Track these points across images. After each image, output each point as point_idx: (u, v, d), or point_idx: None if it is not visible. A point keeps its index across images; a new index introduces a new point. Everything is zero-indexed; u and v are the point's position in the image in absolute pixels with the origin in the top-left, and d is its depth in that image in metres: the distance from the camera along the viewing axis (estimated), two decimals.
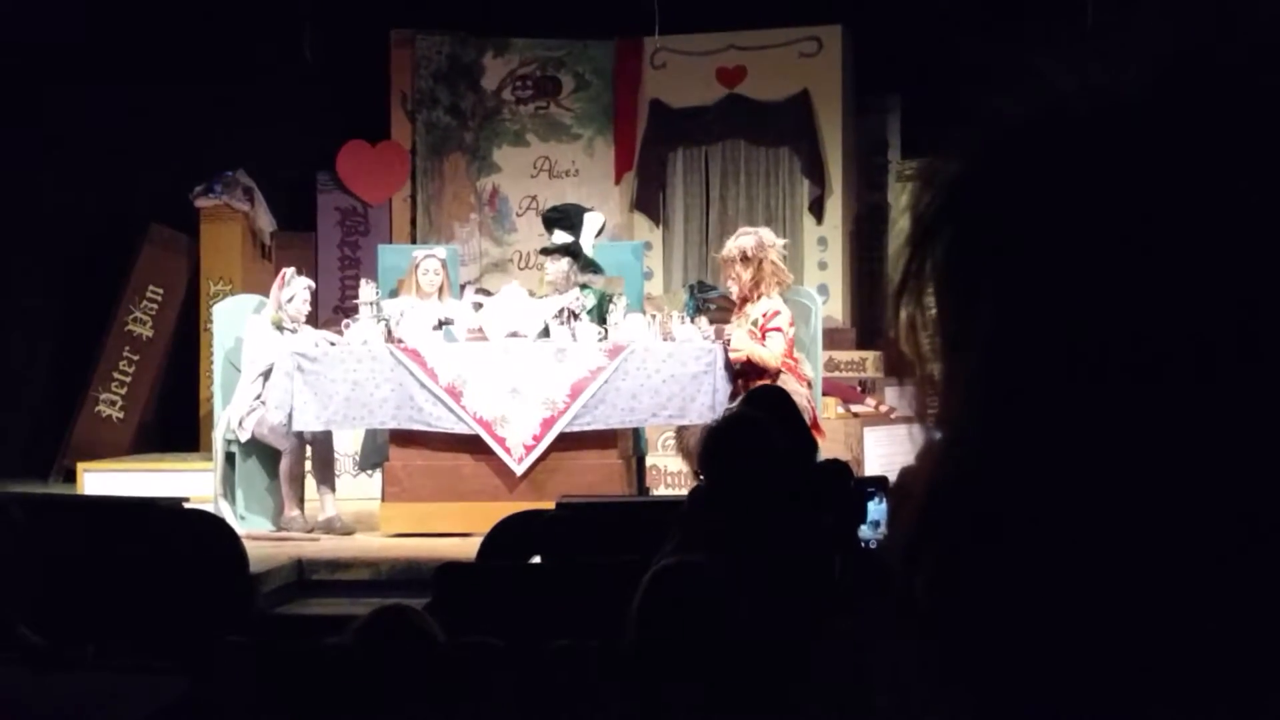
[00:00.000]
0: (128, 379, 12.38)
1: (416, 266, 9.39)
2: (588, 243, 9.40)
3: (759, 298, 8.59)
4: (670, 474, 10.36)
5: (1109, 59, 0.59)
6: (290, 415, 8.89)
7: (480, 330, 9.09)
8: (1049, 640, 0.57)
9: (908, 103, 12.40)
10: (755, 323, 8.54)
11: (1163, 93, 0.58)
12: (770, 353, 8.45)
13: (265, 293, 9.81)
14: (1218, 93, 0.57)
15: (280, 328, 9.30)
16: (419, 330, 9.06)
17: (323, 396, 8.85)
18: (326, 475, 9.38)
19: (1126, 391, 0.56)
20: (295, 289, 9.41)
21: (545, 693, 4.01)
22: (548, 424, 8.82)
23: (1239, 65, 0.57)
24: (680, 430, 9.06)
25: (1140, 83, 0.58)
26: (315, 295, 9.78)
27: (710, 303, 10.05)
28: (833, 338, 11.06)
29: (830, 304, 11.74)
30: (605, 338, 8.93)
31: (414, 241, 12.30)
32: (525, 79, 13.01)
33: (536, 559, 6.49)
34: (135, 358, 12.42)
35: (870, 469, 9.53)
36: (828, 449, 7.85)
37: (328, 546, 8.78)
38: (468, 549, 7.24)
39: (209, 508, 8.44)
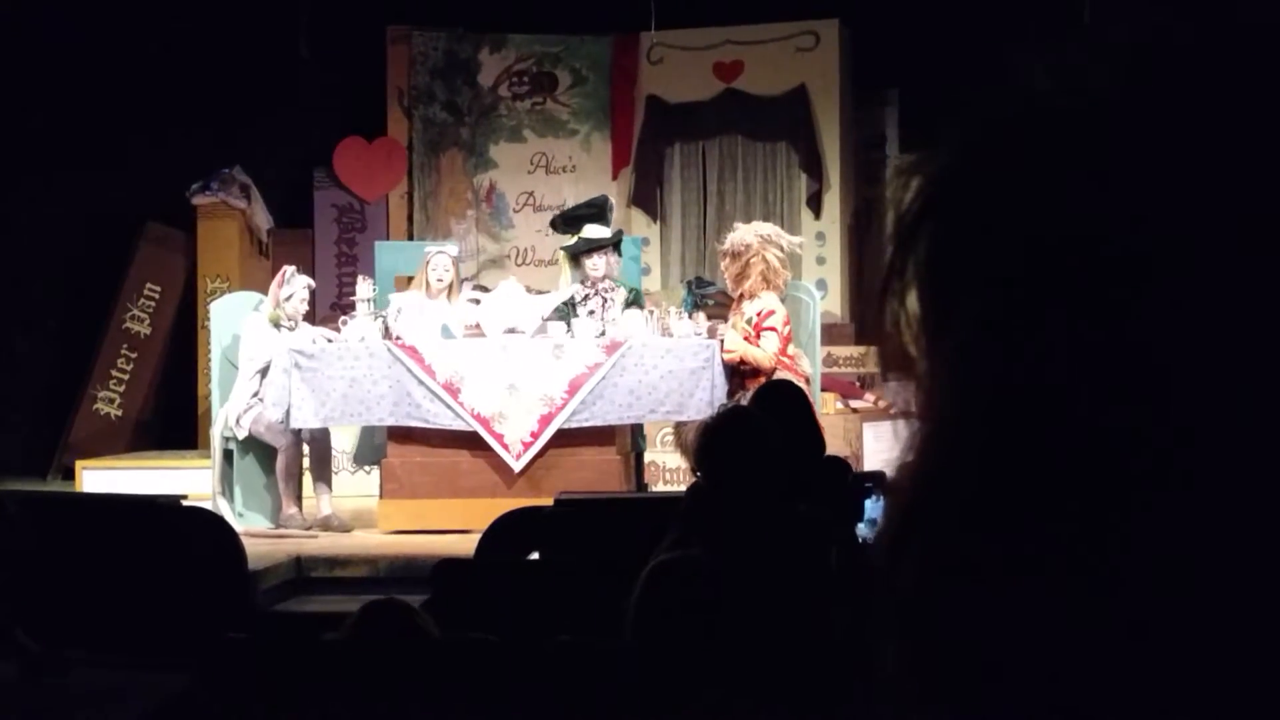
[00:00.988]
0: (126, 377, 12.38)
1: (428, 263, 9.35)
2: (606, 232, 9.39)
3: (752, 295, 8.59)
4: (669, 470, 10.36)
5: (1086, 54, 0.60)
6: (288, 412, 8.89)
7: (478, 326, 9.08)
8: (1034, 638, 0.57)
9: (905, 97, 12.38)
10: (750, 321, 8.55)
11: (1136, 85, 0.58)
12: (763, 353, 8.45)
13: (262, 290, 9.81)
14: (1192, 84, 0.57)
15: (278, 325, 9.30)
16: (419, 328, 9.05)
17: (320, 393, 8.84)
18: (324, 472, 9.38)
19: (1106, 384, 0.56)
20: (295, 287, 9.40)
21: (543, 689, 4.01)
22: (546, 420, 8.81)
23: (1213, 56, 0.57)
24: (678, 426, 9.06)
25: (1115, 76, 0.58)
26: (313, 292, 9.77)
27: (708, 298, 10.05)
28: (831, 333, 11.05)
29: (829, 299, 11.73)
30: (603, 334, 8.93)
31: (410, 238, 12.29)
32: (522, 75, 12.99)
33: (535, 555, 6.50)
34: (133, 355, 12.41)
35: (870, 464, 9.52)
36: (827, 445, 7.84)
37: (326, 543, 8.79)
38: (466, 545, 7.24)
39: (207, 505, 8.46)
